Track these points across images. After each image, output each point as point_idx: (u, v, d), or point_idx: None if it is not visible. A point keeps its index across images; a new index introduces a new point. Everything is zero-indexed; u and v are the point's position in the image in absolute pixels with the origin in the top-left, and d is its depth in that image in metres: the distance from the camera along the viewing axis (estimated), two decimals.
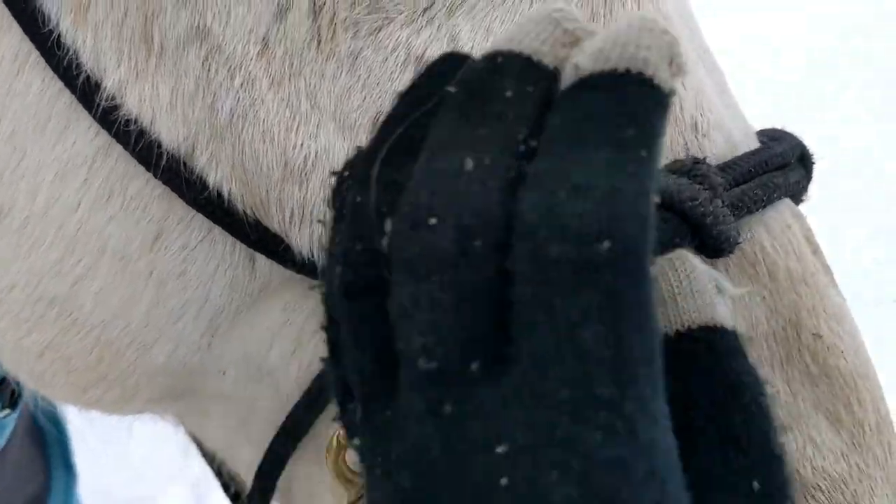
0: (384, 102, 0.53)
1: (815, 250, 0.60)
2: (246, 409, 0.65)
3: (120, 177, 0.56)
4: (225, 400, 0.66)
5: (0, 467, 0.99)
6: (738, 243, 0.52)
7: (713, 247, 0.51)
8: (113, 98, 0.54)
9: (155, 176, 0.55)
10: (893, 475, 0.55)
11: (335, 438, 0.55)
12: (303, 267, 0.56)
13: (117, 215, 0.57)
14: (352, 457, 0.54)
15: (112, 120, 0.54)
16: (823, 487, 0.54)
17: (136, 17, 0.54)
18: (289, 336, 0.60)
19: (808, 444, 0.54)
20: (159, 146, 0.54)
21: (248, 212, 0.55)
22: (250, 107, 0.53)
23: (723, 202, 0.51)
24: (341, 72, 0.53)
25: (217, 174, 0.55)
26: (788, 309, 0.55)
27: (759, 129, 0.64)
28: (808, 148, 0.63)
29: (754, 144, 0.60)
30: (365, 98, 0.53)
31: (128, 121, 0.54)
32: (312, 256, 0.55)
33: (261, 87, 0.53)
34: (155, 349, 0.61)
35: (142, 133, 0.54)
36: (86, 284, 0.59)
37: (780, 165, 0.58)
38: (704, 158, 0.54)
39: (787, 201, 0.58)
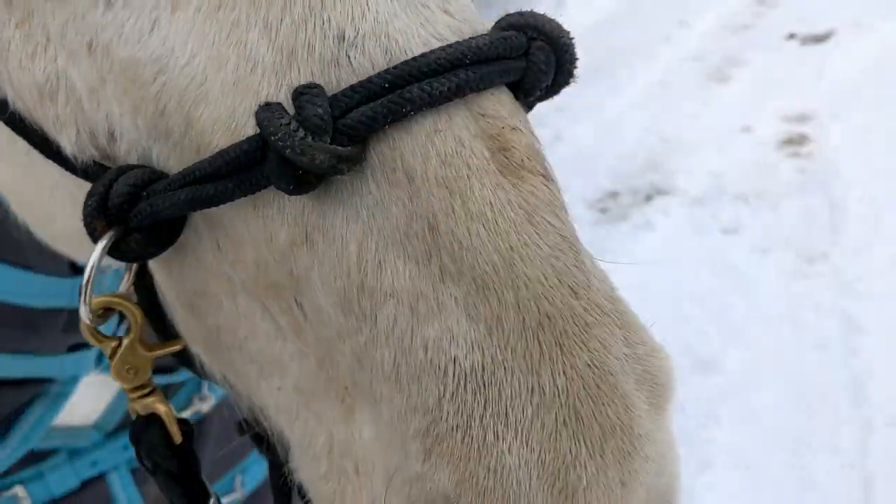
0: (95, 32, 0.66)
1: (504, 148, 0.61)
2: None
3: None
4: None
5: None
6: (332, 168, 0.58)
7: (307, 171, 0.58)
8: None
9: None
10: (537, 363, 0.58)
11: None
12: (73, 165, 0.71)
13: None
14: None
15: None
16: (453, 374, 0.59)
17: None
18: None
19: (445, 333, 0.59)
20: None
21: (33, 124, 0.71)
22: (7, 44, 0.70)
23: (309, 133, 0.58)
24: (57, 9, 0.67)
25: (8, 94, 0.71)
26: (426, 211, 0.59)
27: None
28: (553, 31, 0.65)
29: (439, 44, 0.61)
30: (78, 29, 0.67)
31: None
32: (76, 156, 0.70)
33: (9, 27, 0.69)
34: (56, 219, 0.83)
35: None
36: None
37: (466, 62, 0.60)
38: (314, 85, 0.59)
39: (466, 104, 0.61)
